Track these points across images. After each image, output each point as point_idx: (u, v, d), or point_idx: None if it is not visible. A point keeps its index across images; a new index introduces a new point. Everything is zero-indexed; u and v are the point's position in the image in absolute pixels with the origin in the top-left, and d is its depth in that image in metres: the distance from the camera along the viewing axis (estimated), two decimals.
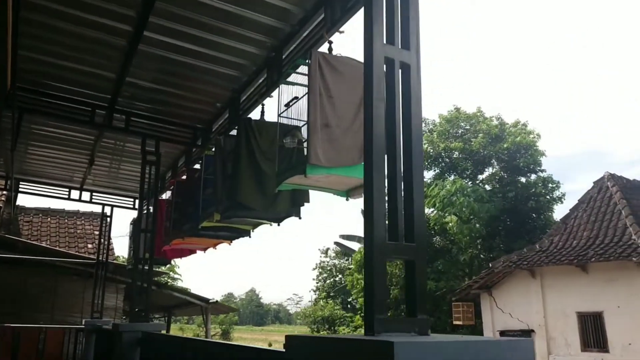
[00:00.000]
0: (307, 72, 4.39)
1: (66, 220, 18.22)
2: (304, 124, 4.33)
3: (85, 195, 11.87)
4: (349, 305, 40.12)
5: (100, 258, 11.89)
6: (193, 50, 5.80)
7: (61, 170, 10.63)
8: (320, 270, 45.02)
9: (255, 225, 6.79)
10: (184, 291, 13.73)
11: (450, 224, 23.90)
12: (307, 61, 4.37)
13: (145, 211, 7.52)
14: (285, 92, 4.59)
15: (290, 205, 5.51)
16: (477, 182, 24.06)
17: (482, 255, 24.44)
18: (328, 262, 45.26)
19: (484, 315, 20.88)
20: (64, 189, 11.56)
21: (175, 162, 9.33)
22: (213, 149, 6.67)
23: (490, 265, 19.74)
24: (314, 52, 4.15)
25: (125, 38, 5.69)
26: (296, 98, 4.34)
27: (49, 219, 18.12)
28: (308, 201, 5.58)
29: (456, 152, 24.18)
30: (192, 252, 9.38)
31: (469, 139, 24.03)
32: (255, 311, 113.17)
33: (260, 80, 6.09)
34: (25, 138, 8.85)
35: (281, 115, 4.52)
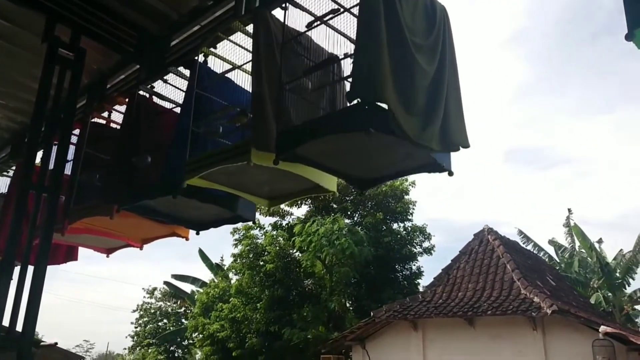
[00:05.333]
0: None
1: None
2: None
3: None
4: (175, 355, 35.07)
5: None
6: None
7: None
8: (142, 313, 39.05)
9: (280, 199, 3.71)
10: None
11: (318, 268, 21.83)
12: None
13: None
14: None
15: (442, 139, 2.70)
16: (354, 224, 22.56)
17: (348, 304, 22.66)
18: (152, 304, 39.56)
19: None
20: None
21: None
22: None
23: (372, 314, 17.94)
24: None
25: None
26: None
27: None
28: (468, 144, 2.84)
29: None
30: (70, 253, 5.60)
31: None
32: None
33: None
34: None
35: None
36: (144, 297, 40.49)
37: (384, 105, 2.58)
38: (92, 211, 4.28)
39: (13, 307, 3.55)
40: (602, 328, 13.52)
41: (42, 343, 9.65)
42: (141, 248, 4.96)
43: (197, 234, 4.63)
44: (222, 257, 35.90)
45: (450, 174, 3.07)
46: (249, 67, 3.89)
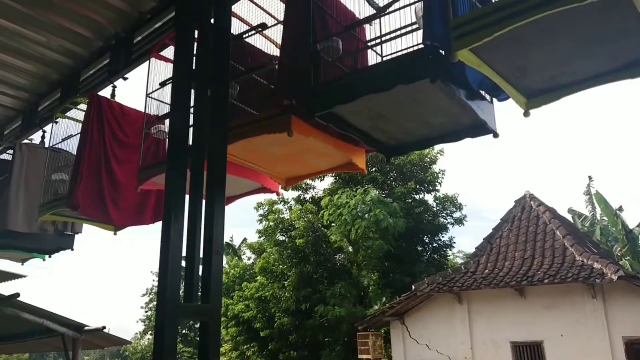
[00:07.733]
0: None
1: None
2: None
3: None
4: (188, 338, 34.14)
5: None
6: None
7: None
8: (152, 296, 38.02)
9: None
10: (40, 311, 7.76)
11: (346, 242, 20.71)
12: None
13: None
14: None
15: None
16: (384, 195, 21.44)
17: (377, 279, 21.66)
18: None
19: (395, 348, 17.96)
20: None
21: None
22: None
23: (413, 287, 16.96)
24: None
25: None
26: None
27: None
28: None
29: None
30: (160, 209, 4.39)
31: None
32: None
33: None
34: None
35: None
36: (153, 280, 39.45)
37: None
38: (262, 127, 3.00)
39: (187, 268, 2.43)
40: None
41: (86, 327, 8.45)
42: (279, 192, 3.81)
43: (387, 161, 3.47)
44: (231, 237, 34.85)
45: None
46: None
